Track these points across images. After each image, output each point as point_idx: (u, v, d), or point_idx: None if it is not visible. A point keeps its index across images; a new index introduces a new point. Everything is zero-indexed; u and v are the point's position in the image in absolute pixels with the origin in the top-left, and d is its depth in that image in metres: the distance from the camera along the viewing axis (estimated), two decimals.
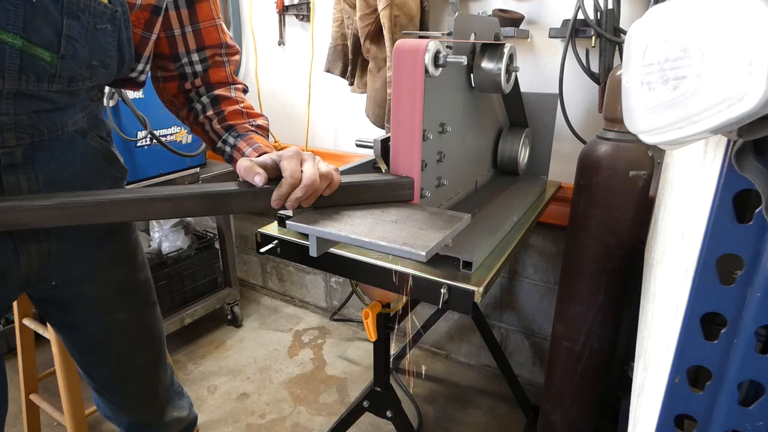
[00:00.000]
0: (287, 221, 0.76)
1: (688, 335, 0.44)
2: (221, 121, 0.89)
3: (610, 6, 1.39)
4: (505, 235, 1.10)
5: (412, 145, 0.87)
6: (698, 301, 0.43)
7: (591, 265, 1.23)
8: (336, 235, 0.73)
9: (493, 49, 1.09)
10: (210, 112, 0.90)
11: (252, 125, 0.90)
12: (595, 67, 1.48)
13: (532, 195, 1.35)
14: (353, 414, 1.44)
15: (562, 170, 1.64)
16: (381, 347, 1.31)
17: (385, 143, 0.99)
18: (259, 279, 2.77)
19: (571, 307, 1.30)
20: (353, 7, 1.64)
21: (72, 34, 0.68)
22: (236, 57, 0.95)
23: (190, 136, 1.96)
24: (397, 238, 0.71)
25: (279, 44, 2.21)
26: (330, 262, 1.00)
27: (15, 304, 1.45)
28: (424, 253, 0.67)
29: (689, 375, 0.45)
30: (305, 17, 2.09)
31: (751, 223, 0.39)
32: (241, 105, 0.92)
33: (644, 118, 0.40)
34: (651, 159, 1.15)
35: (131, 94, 1.69)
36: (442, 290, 0.88)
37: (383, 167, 1.01)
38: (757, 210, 0.38)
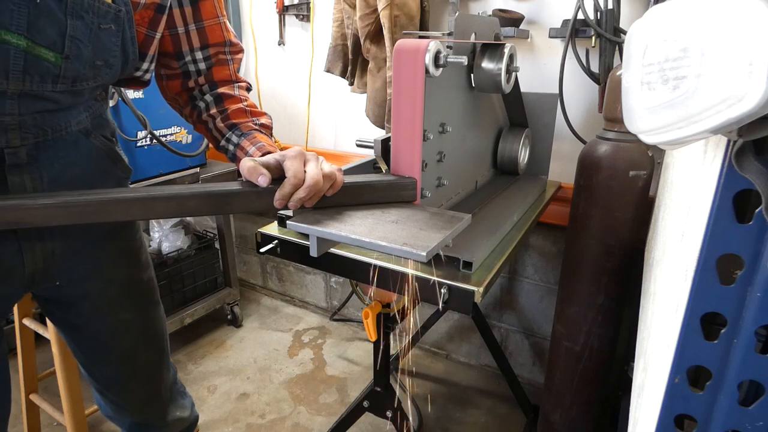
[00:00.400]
0: (287, 221, 0.76)
1: (688, 335, 0.44)
2: (224, 120, 0.89)
3: (610, 6, 1.39)
4: (505, 235, 1.10)
5: (412, 145, 0.87)
6: (698, 301, 0.43)
7: (591, 265, 1.23)
8: (336, 236, 0.73)
9: (493, 49, 1.09)
10: (213, 110, 0.90)
11: (255, 124, 0.90)
12: (595, 67, 1.48)
13: (532, 195, 1.35)
14: (353, 414, 1.44)
15: (562, 170, 1.64)
16: (381, 347, 1.31)
17: (385, 143, 0.99)
18: (259, 279, 2.77)
19: (571, 307, 1.30)
20: (353, 7, 1.64)
21: (76, 35, 0.68)
22: (240, 55, 0.95)
23: (190, 136, 1.96)
24: (398, 238, 0.71)
25: (279, 44, 2.21)
26: (330, 262, 1.00)
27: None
28: (424, 254, 0.67)
29: (689, 375, 0.45)
30: (305, 17, 2.09)
31: (751, 223, 0.39)
32: (245, 103, 0.91)
33: (644, 118, 0.40)
34: (651, 159, 1.15)
35: (131, 94, 1.69)
36: (442, 290, 0.88)
37: (383, 167, 1.01)
38: (757, 210, 0.38)
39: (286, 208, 0.74)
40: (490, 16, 1.28)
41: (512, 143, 1.39)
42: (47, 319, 1.29)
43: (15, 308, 1.49)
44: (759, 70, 0.30)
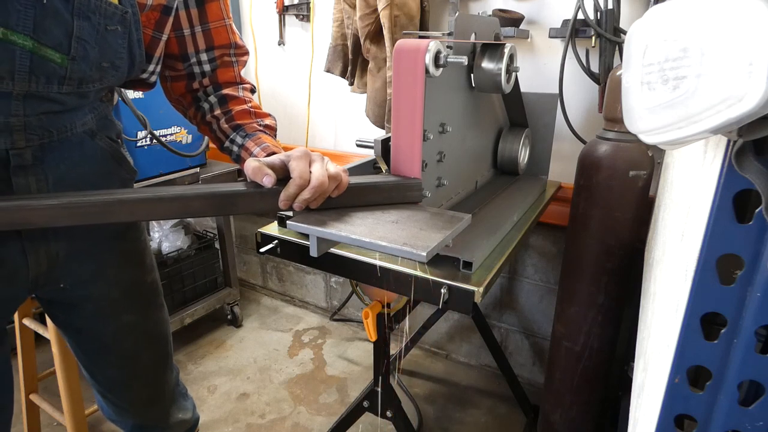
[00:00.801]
0: (288, 221, 0.76)
1: (688, 335, 0.44)
2: (229, 121, 0.89)
3: (610, 6, 1.39)
4: (505, 235, 1.10)
5: (412, 145, 0.87)
6: (698, 301, 0.43)
7: (591, 265, 1.23)
8: (336, 236, 0.73)
9: (493, 49, 1.09)
10: (217, 112, 0.89)
11: (260, 125, 0.90)
12: (595, 67, 1.48)
13: (532, 195, 1.35)
14: (353, 414, 1.44)
15: (562, 170, 1.64)
16: (381, 347, 1.30)
17: (385, 143, 0.99)
18: (259, 279, 2.77)
19: (571, 307, 1.30)
20: (353, 7, 1.64)
21: (82, 36, 0.67)
22: (245, 58, 0.95)
23: (190, 136, 1.96)
24: (398, 238, 0.71)
25: (279, 44, 2.21)
26: (330, 262, 0.99)
27: None
28: (424, 254, 0.67)
29: (689, 375, 0.45)
30: (305, 17, 2.09)
31: (751, 223, 0.39)
32: (249, 105, 0.91)
33: (644, 118, 0.40)
34: (651, 159, 1.15)
35: (131, 94, 1.69)
36: (442, 290, 0.88)
37: (383, 167, 1.01)
38: (757, 210, 0.38)
39: (290, 208, 0.73)
40: (490, 16, 1.28)
41: (512, 143, 1.39)
42: (47, 320, 1.30)
43: None
44: (759, 70, 0.30)
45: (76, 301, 0.90)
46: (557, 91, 1.53)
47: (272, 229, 1.08)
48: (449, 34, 1.01)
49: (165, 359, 1.06)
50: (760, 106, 0.30)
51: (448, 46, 0.99)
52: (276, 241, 1.05)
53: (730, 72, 0.31)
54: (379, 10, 1.55)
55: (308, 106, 2.20)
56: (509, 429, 1.83)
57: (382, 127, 1.77)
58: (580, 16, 1.43)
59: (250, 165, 0.73)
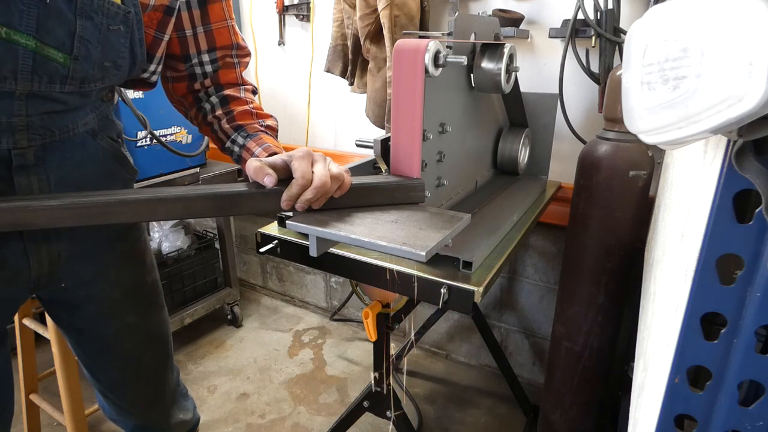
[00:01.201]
0: (287, 221, 0.76)
1: (688, 335, 0.44)
2: (230, 121, 0.89)
3: (610, 6, 1.39)
4: (505, 235, 1.10)
5: (412, 145, 0.87)
6: (698, 301, 0.43)
7: (591, 265, 1.23)
8: (336, 235, 0.73)
9: (493, 49, 1.09)
10: (219, 112, 0.89)
11: (261, 125, 0.90)
12: (595, 67, 1.48)
13: (532, 195, 1.35)
14: (353, 414, 1.44)
15: (562, 170, 1.64)
16: (381, 347, 1.30)
17: (385, 143, 0.99)
18: (259, 279, 2.77)
19: (571, 307, 1.30)
20: (353, 7, 1.64)
21: (85, 35, 0.67)
22: (247, 59, 0.94)
23: (190, 136, 1.96)
24: (397, 238, 0.71)
25: (279, 44, 2.21)
26: (330, 262, 1.00)
27: None
28: (424, 253, 0.67)
29: (689, 375, 0.45)
30: (305, 17, 2.09)
31: (751, 223, 0.39)
32: (250, 105, 0.91)
33: (644, 118, 0.40)
34: (651, 159, 1.15)
35: (131, 94, 1.69)
36: (442, 290, 0.88)
37: (383, 167, 1.01)
38: (757, 210, 0.38)
39: (292, 209, 0.73)
40: (490, 16, 1.28)
41: (512, 143, 1.39)
42: (47, 320, 1.30)
43: None
44: (759, 70, 0.30)
45: (78, 302, 0.90)
46: (557, 91, 1.53)
47: (272, 229, 1.08)
48: (449, 34, 1.01)
49: (166, 359, 1.06)
50: (760, 106, 0.30)
51: (447, 46, 0.99)
52: (276, 241, 1.05)
53: (730, 72, 0.31)
54: (379, 10, 1.55)
55: (308, 106, 2.20)
56: (509, 429, 1.83)
57: (382, 127, 1.77)
58: (580, 16, 1.43)
59: (251, 165, 0.72)
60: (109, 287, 0.91)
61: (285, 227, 1.06)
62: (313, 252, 0.79)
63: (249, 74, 2.33)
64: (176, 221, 2.20)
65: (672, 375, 0.45)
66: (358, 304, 2.42)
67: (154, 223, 2.18)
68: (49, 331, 1.35)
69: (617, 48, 1.43)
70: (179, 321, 2.12)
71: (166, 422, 1.10)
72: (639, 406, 0.67)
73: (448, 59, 0.87)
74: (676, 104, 0.36)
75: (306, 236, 0.79)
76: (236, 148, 0.88)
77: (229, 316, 2.42)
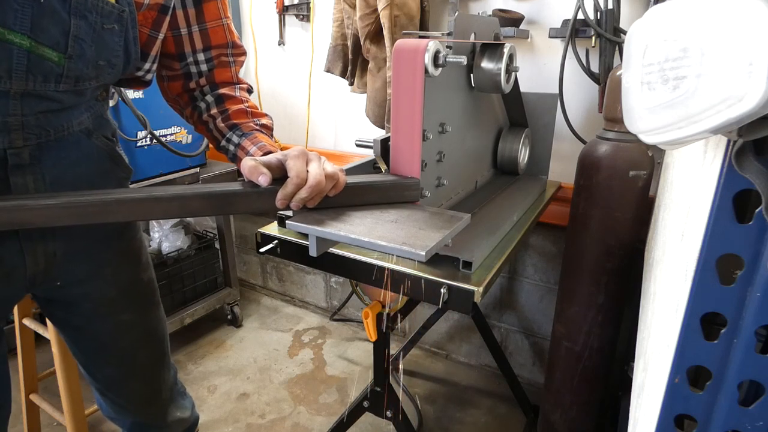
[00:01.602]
0: (287, 221, 0.76)
1: (688, 335, 0.44)
2: (225, 120, 0.89)
3: (610, 6, 1.39)
4: (505, 235, 1.10)
5: (412, 145, 0.87)
6: (698, 301, 0.43)
7: (591, 265, 1.23)
8: (336, 235, 0.73)
9: (493, 49, 1.09)
10: (214, 111, 0.89)
11: (256, 124, 0.90)
12: (595, 67, 1.48)
13: (532, 195, 1.35)
14: (353, 414, 1.44)
15: (562, 170, 1.64)
16: (381, 347, 1.30)
17: (385, 143, 0.99)
18: (259, 279, 2.77)
19: (571, 307, 1.30)
20: (353, 7, 1.64)
21: (79, 34, 0.68)
22: (242, 58, 0.95)
23: (190, 136, 1.96)
24: (397, 237, 0.71)
25: (279, 44, 2.21)
26: (330, 262, 1.00)
27: None
28: (423, 253, 0.67)
29: (689, 375, 0.45)
30: (305, 17, 2.09)
31: (751, 223, 0.39)
32: (246, 104, 0.91)
33: (644, 118, 0.40)
34: (651, 159, 1.15)
35: (131, 94, 1.69)
36: (442, 290, 0.88)
37: (383, 167, 1.01)
38: (757, 210, 0.38)
39: (288, 208, 0.73)
40: (490, 16, 1.28)
41: (512, 143, 1.39)
42: (47, 319, 1.30)
43: (15, 308, 1.49)
44: (759, 70, 0.30)
45: (74, 300, 0.90)
46: (557, 91, 1.53)
47: (272, 229, 1.08)
48: (449, 34, 1.01)
49: (162, 357, 1.06)
50: (760, 106, 0.30)
51: (447, 46, 0.99)
52: (276, 241, 1.05)
53: (730, 72, 0.31)
54: (379, 10, 1.55)
55: (308, 106, 2.20)
56: (509, 429, 1.83)
57: (382, 127, 1.77)
58: (580, 16, 1.43)
59: (246, 164, 0.72)
60: (105, 285, 0.91)
61: (285, 227, 1.06)
62: (313, 252, 0.79)
63: (249, 74, 2.33)
64: (176, 221, 2.20)
65: (672, 375, 0.45)
66: (358, 304, 2.42)
67: (154, 223, 2.18)
68: (49, 331, 1.35)
69: (617, 48, 1.43)
70: (179, 321, 2.12)
71: (164, 420, 1.10)
72: (639, 406, 0.67)
73: (447, 59, 0.87)
74: (676, 104, 0.36)
75: (306, 236, 0.79)
76: (231, 147, 0.88)
77: (229, 316, 2.42)
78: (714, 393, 0.44)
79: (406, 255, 0.69)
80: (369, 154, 1.13)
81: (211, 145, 2.29)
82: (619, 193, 1.15)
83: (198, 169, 2.03)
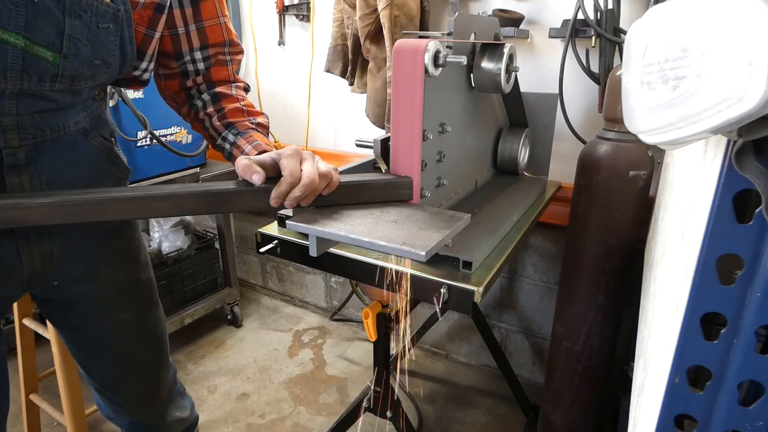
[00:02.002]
0: (287, 221, 0.76)
1: (688, 335, 0.44)
2: (221, 119, 0.89)
3: (610, 6, 1.39)
4: (505, 235, 1.10)
5: (412, 145, 0.87)
6: (698, 301, 0.43)
7: (591, 265, 1.23)
8: (336, 235, 0.73)
9: (493, 49, 1.09)
10: (210, 109, 0.90)
11: (252, 123, 0.90)
12: (595, 67, 1.48)
13: (532, 195, 1.35)
14: (353, 414, 1.44)
15: (562, 170, 1.64)
16: (381, 347, 1.30)
17: (385, 143, 0.99)
18: (259, 279, 2.77)
19: (571, 307, 1.30)
20: (353, 7, 1.64)
21: (74, 34, 0.67)
22: (239, 56, 0.94)
23: (190, 136, 1.96)
24: (397, 238, 0.71)
25: (279, 44, 2.21)
26: (330, 262, 1.00)
27: (15, 304, 1.45)
28: (423, 253, 0.67)
29: (689, 375, 0.45)
30: (305, 17, 2.09)
31: (751, 223, 0.39)
32: (242, 103, 0.91)
33: (644, 118, 0.40)
34: (651, 159, 1.15)
35: (131, 94, 1.69)
36: (442, 290, 0.88)
37: (383, 167, 1.01)
38: (757, 210, 0.38)
39: (283, 206, 0.73)
40: (490, 16, 1.28)
41: (512, 143, 1.39)
42: (47, 319, 1.30)
43: (15, 308, 1.49)
44: (759, 70, 0.30)
45: (71, 299, 0.90)
46: (557, 91, 1.53)
47: (272, 229, 1.08)
48: (449, 34, 1.01)
49: (161, 357, 1.06)
50: (760, 106, 0.30)
51: (447, 46, 0.99)
52: (276, 241, 1.05)
53: (730, 72, 0.31)
54: (379, 10, 1.55)
55: (308, 106, 2.20)
56: (509, 429, 1.83)
57: (382, 127, 1.77)
58: (580, 16, 1.43)
59: (240, 163, 0.73)
60: (102, 285, 0.91)
61: (285, 227, 1.06)
62: (313, 252, 0.79)
63: (249, 74, 2.33)
64: (176, 221, 2.20)
65: (672, 375, 0.45)
66: (358, 304, 2.42)
67: (154, 223, 2.18)
68: (49, 331, 1.35)
69: (617, 48, 1.43)
70: (179, 321, 2.12)
71: (163, 420, 1.10)
72: (639, 406, 0.67)
73: (448, 59, 0.87)
74: (676, 104, 0.36)
75: (306, 236, 0.79)
76: (227, 146, 0.88)
77: (229, 316, 2.42)
78: (714, 393, 0.44)
79: (406, 255, 0.68)
80: (369, 154, 1.13)
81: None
82: (619, 193, 1.15)
83: (198, 169, 2.03)
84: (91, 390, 1.06)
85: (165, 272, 2.07)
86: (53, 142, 0.75)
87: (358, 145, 1.15)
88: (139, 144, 1.78)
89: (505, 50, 1.07)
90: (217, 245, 2.33)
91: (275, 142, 2.23)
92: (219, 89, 0.91)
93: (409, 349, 1.93)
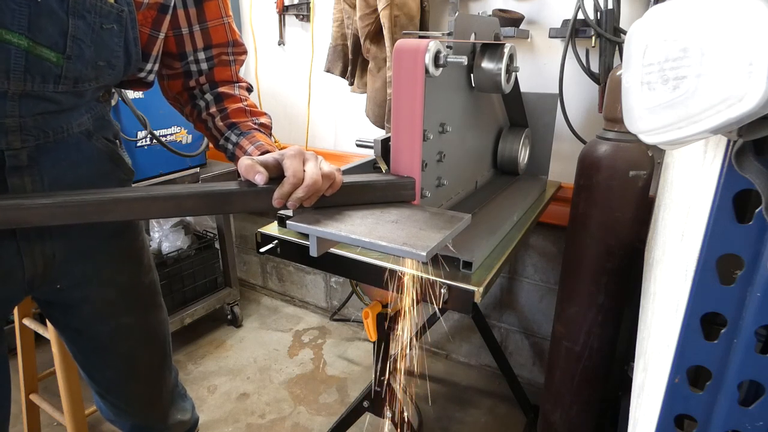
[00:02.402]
0: (287, 221, 0.76)
1: (688, 335, 0.44)
2: (224, 119, 0.89)
3: (610, 6, 1.39)
4: (505, 235, 1.10)
5: (412, 145, 0.87)
6: (698, 301, 0.43)
7: (591, 265, 1.23)
8: (336, 235, 0.73)
9: (493, 49, 1.09)
10: (213, 109, 0.89)
11: (255, 123, 0.90)
12: (595, 67, 1.48)
13: (532, 195, 1.35)
14: (353, 414, 1.44)
15: (562, 170, 1.64)
16: (381, 347, 1.30)
17: (385, 143, 0.99)
18: (259, 279, 2.77)
19: (571, 307, 1.30)
20: (353, 7, 1.64)
21: (77, 35, 0.67)
22: (243, 56, 0.94)
23: (190, 136, 1.96)
24: (398, 238, 0.71)
25: (279, 44, 2.21)
26: (330, 262, 0.99)
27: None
28: (424, 254, 0.67)
29: (689, 375, 0.45)
30: (305, 17, 2.09)
31: (751, 223, 0.39)
32: (245, 103, 0.91)
33: (644, 118, 0.40)
34: (651, 159, 1.15)
35: (131, 94, 1.69)
36: (442, 290, 0.88)
37: (383, 167, 1.01)
38: (757, 210, 0.38)
39: (285, 207, 0.73)
40: (490, 16, 1.28)
41: (512, 143, 1.39)
42: (47, 320, 1.30)
43: (15, 308, 1.49)
44: (759, 70, 0.30)
45: (73, 302, 0.90)
46: (557, 91, 1.53)
47: (272, 229, 1.08)
48: (449, 34, 1.01)
49: (163, 360, 1.06)
50: (760, 106, 0.30)
51: (447, 46, 0.99)
52: (276, 241, 1.05)
53: (730, 72, 0.31)
54: (379, 10, 1.55)
55: (308, 106, 2.20)
56: (509, 429, 1.83)
57: (382, 127, 1.77)
58: (580, 16, 1.43)
59: (243, 163, 0.72)
60: (105, 287, 0.91)
61: (285, 227, 1.06)
62: (314, 252, 0.79)
63: (249, 74, 2.33)
64: (176, 221, 2.20)
65: (672, 375, 0.45)
66: (358, 304, 2.42)
67: (154, 223, 2.18)
68: (49, 331, 1.35)
69: (617, 48, 1.43)
70: (179, 321, 2.12)
71: (164, 422, 1.09)
72: (639, 406, 0.67)
73: (448, 59, 0.87)
74: (676, 104, 0.36)
75: (306, 236, 0.79)
76: (229, 146, 0.88)
77: (229, 316, 2.42)
78: (714, 393, 0.44)
79: (407, 255, 0.68)
80: (369, 154, 1.13)
81: (211, 145, 2.29)
82: (619, 193, 1.15)
83: (198, 169, 2.03)
84: (92, 392, 1.06)
85: (165, 272, 2.07)
86: (56, 143, 0.75)
87: (358, 145, 1.15)
88: (139, 144, 1.78)
89: (506, 50, 1.07)
90: (217, 245, 2.33)
91: (275, 142, 2.23)
92: (222, 89, 0.90)
93: (409, 349, 1.93)
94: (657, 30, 0.39)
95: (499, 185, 1.36)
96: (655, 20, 0.39)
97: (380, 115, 1.74)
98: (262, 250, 1.05)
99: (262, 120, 0.91)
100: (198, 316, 2.21)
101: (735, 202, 0.39)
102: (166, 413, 1.09)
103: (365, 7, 1.59)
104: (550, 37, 1.56)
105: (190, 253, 2.20)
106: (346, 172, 0.81)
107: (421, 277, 0.90)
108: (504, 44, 1.09)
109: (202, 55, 0.88)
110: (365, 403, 1.39)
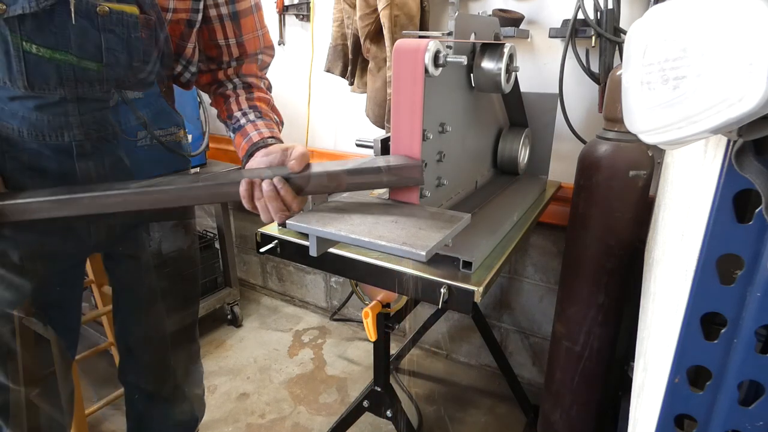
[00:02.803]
0: (287, 221, 0.76)
1: (688, 335, 0.44)
2: (249, 100, 1.01)
3: (610, 6, 1.39)
4: (505, 235, 1.10)
5: (412, 145, 0.87)
6: (698, 301, 0.43)
7: (591, 265, 1.23)
8: (336, 235, 0.73)
9: (493, 49, 1.09)
10: (240, 90, 1.02)
11: (274, 120, 1.02)
12: (595, 67, 1.48)
13: (532, 195, 1.35)
14: (353, 414, 1.44)
15: (562, 170, 1.64)
16: (381, 347, 1.30)
17: (385, 143, 0.99)
18: (259, 279, 2.77)
19: (571, 307, 1.30)
20: (353, 7, 1.64)
21: (110, 46, 0.79)
22: (270, 59, 1.08)
23: (190, 135, 1.96)
24: (397, 237, 0.71)
25: (279, 44, 2.21)
26: (330, 262, 1.00)
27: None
28: (424, 253, 0.67)
29: (689, 375, 0.45)
30: (305, 17, 2.09)
31: (751, 223, 0.39)
32: (269, 95, 1.07)
33: (644, 118, 0.40)
34: (651, 159, 1.15)
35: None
36: (442, 290, 0.88)
37: None
38: (757, 210, 0.38)
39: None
40: (490, 16, 1.28)
41: (512, 143, 1.39)
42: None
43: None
44: (759, 70, 0.30)
45: (125, 260, 1.07)
46: (557, 91, 1.53)
47: (272, 229, 1.08)
48: (449, 34, 1.01)
49: (190, 342, 1.24)
50: (760, 106, 0.30)
51: (447, 46, 0.99)
52: (276, 241, 1.05)
53: (730, 72, 0.31)
54: (379, 10, 1.55)
55: (308, 106, 2.20)
56: (509, 429, 1.83)
57: (382, 127, 1.77)
58: (580, 16, 1.43)
59: (298, 150, 0.82)
60: (156, 254, 1.09)
61: (285, 227, 1.06)
62: (313, 252, 0.79)
63: None
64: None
65: (672, 375, 0.45)
66: (358, 304, 2.42)
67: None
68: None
69: (617, 48, 1.43)
70: None
71: (171, 401, 1.21)
72: (639, 406, 0.67)
73: (448, 59, 0.87)
74: (676, 104, 0.36)
75: (306, 236, 0.79)
76: (243, 120, 0.97)
77: (229, 316, 2.42)
78: (714, 393, 0.44)
79: (406, 255, 0.69)
80: (369, 154, 1.13)
81: (212, 145, 2.29)
82: (619, 193, 1.15)
83: (198, 169, 2.03)
84: (118, 351, 1.19)
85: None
86: (114, 134, 0.91)
87: (358, 145, 1.15)
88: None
89: (505, 50, 1.07)
90: (217, 245, 2.33)
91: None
92: (250, 80, 1.04)
93: (409, 349, 1.93)
94: (657, 30, 0.39)
95: (499, 185, 1.36)
96: (655, 20, 0.39)
97: (380, 115, 1.74)
98: (262, 250, 1.05)
99: (278, 120, 1.05)
100: (198, 316, 2.21)
101: (735, 202, 0.39)
102: (178, 392, 1.20)
103: (365, 7, 1.59)
104: (550, 37, 1.56)
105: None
106: (348, 170, 0.81)
107: (421, 277, 0.90)
108: (504, 44, 1.09)
109: (234, 63, 1.02)
110: (365, 403, 1.39)
